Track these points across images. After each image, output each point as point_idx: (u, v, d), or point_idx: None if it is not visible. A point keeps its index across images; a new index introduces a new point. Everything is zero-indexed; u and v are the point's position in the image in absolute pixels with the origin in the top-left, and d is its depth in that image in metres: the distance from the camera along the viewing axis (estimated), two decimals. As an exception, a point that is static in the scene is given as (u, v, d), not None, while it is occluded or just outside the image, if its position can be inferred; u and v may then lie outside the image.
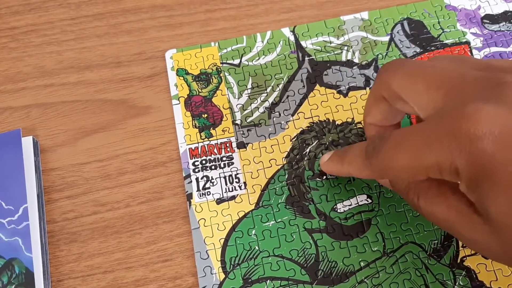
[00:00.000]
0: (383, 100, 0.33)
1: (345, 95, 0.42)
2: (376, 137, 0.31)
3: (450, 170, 0.26)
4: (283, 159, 0.40)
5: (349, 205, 0.38)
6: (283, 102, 0.42)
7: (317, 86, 0.42)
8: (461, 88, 0.28)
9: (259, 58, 0.44)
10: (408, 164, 0.28)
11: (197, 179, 0.40)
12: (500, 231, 0.26)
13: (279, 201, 0.38)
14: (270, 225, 0.38)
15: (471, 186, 0.26)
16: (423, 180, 0.30)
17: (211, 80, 0.43)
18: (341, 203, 0.38)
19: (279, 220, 0.38)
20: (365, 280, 0.36)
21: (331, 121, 0.41)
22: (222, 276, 0.36)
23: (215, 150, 0.40)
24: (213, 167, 0.40)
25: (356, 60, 0.43)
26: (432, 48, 0.43)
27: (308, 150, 0.40)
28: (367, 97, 0.35)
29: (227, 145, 0.41)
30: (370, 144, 0.31)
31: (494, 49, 0.43)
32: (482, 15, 0.44)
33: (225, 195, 0.39)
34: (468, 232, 0.28)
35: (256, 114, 0.42)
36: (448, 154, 0.26)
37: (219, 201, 0.39)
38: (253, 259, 0.37)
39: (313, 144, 0.40)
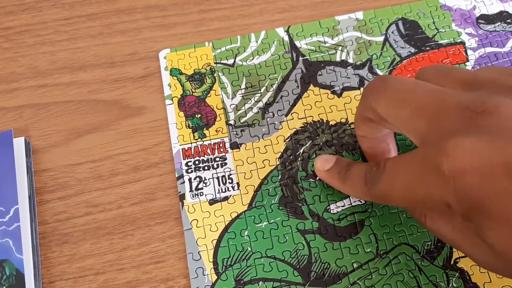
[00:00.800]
0: (370, 120, 0.33)
1: (339, 95, 0.42)
2: (373, 164, 0.32)
3: (442, 205, 0.26)
4: (277, 159, 0.40)
5: (342, 206, 0.38)
6: (277, 102, 0.42)
7: (311, 86, 0.42)
8: (441, 116, 0.27)
9: (253, 58, 0.43)
10: (403, 197, 0.29)
11: (190, 179, 0.39)
12: (502, 255, 0.26)
13: (272, 202, 0.38)
14: (263, 226, 0.38)
15: (465, 218, 0.26)
16: None
17: (205, 80, 0.43)
18: (334, 204, 0.38)
19: (272, 221, 0.38)
20: (358, 281, 0.36)
21: (325, 121, 0.41)
22: (214, 277, 0.36)
23: (208, 151, 0.40)
24: (206, 168, 0.40)
25: (350, 60, 0.43)
26: (427, 48, 0.43)
27: (301, 150, 0.40)
28: (355, 114, 0.35)
29: (221, 145, 0.40)
30: (369, 172, 0.32)
31: (489, 49, 0.43)
32: (477, 15, 0.44)
33: (218, 195, 0.39)
34: (473, 252, 0.28)
35: (249, 114, 0.41)
36: (437, 191, 0.26)
37: (212, 201, 0.39)
38: (245, 260, 0.37)
39: (307, 145, 0.40)
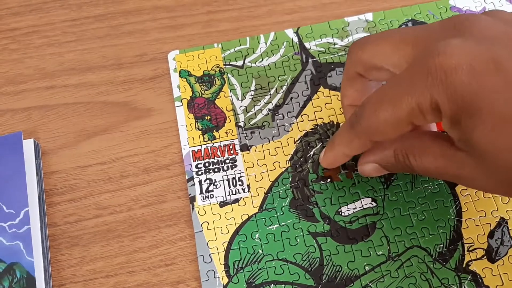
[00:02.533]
0: (358, 77, 0.34)
1: (349, 97, 0.41)
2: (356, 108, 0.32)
3: (432, 108, 0.27)
4: (287, 161, 0.40)
5: (354, 209, 0.38)
6: (286, 104, 0.42)
7: (321, 88, 0.42)
8: (427, 36, 0.29)
9: (262, 60, 0.43)
10: (391, 116, 0.29)
11: (200, 182, 0.39)
12: (484, 160, 0.27)
13: (283, 204, 0.38)
14: (274, 228, 0.37)
15: (453, 120, 0.27)
16: (404, 141, 0.32)
17: (214, 81, 0.43)
18: (346, 206, 0.38)
19: (283, 223, 0.38)
20: (370, 284, 0.35)
21: (335, 123, 0.41)
22: (226, 280, 0.36)
23: (218, 153, 0.40)
24: (216, 170, 0.40)
25: (360, 62, 0.43)
26: (437, 49, 0.43)
27: (312, 152, 0.40)
28: (342, 80, 0.36)
29: (231, 147, 0.40)
30: (352, 115, 0.32)
31: (499, 50, 0.42)
32: (487, 16, 0.44)
33: (228, 198, 0.39)
34: (458, 170, 0.29)
35: (259, 116, 0.41)
36: (426, 93, 0.27)
37: (223, 204, 0.38)
38: (256, 263, 0.37)
39: (317, 147, 0.40)
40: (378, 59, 0.32)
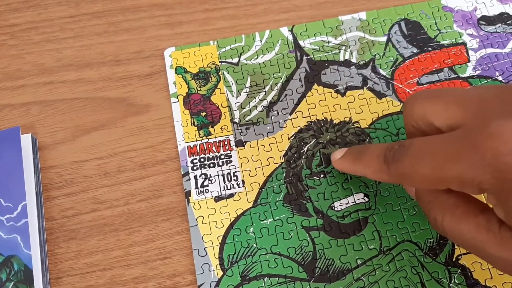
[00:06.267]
0: (413, 129, 0.33)
1: (343, 94, 0.42)
2: (395, 143, 0.31)
3: (473, 184, 0.26)
4: (281, 157, 0.40)
5: (346, 204, 0.38)
6: (281, 101, 0.42)
7: (315, 86, 0.43)
8: (480, 105, 0.28)
9: (257, 57, 0.44)
10: (429, 175, 0.28)
11: (195, 176, 0.40)
12: None
13: (277, 199, 0.39)
14: (268, 223, 0.38)
15: (500, 199, 0.26)
16: (449, 197, 0.30)
17: (210, 78, 0.43)
18: (338, 201, 0.38)
19: (277, 218, 0.38)
20: (362, 277, 0.36)
21: (328, 120, 0.41)
22: (220, 273, 0.37)
23: (214, 148, 0.41)
24: (211, 165, 0.40)
25: (353, 60, 0.43)
26: (429, 48, 0.43)
27: (306, 148, 0.40)
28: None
29: (226, 143, 0.41)
30: (390, 150, 0.31)
31: (490, 50, 0.43)
32: (479, 16, 0.45)
33: (223, 193, 0.39)
34: (498, 251, 0.28)
35: (254, 112, 0.42)
36: (472, 169, 0.26)
37: (217, 198, 0.39)
38: (251, 256, 0.37)
39: (311, 143, 0.41)
40: (428, 116, 0.31)
